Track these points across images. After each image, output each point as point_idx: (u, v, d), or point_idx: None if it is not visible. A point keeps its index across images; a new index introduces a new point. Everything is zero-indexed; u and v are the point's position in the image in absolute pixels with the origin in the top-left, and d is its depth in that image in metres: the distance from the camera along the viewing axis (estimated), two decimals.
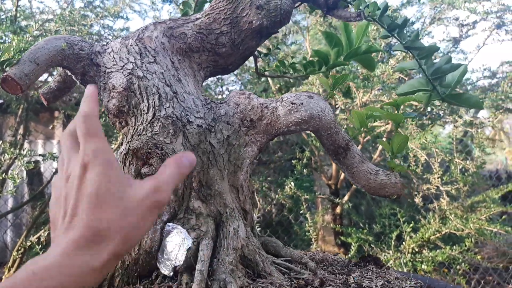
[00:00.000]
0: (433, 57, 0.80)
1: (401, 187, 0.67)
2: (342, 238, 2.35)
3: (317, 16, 2.05)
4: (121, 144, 0.65)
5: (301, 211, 2.23)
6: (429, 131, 2.16)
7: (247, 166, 0.63)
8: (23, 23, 2.11)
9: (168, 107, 0.57)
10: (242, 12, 0.67)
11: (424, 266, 2.05)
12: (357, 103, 2.11)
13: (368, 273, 0.62)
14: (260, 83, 2.80)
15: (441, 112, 2.40)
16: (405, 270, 2.01)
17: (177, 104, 0.59)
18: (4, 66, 0.59)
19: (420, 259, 2.10)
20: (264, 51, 1.04)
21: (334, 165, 2.47)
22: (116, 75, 0.60)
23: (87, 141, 0.39)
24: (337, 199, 2.35)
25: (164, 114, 0.57)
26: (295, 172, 2.39)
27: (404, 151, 0.72)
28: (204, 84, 1.08)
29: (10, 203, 2.64)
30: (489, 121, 1.95)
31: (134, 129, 0.58)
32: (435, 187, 2.21)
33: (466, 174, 1.94)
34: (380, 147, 2.19)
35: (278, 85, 2.57)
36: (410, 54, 0.78)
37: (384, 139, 2.26)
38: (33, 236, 1.90)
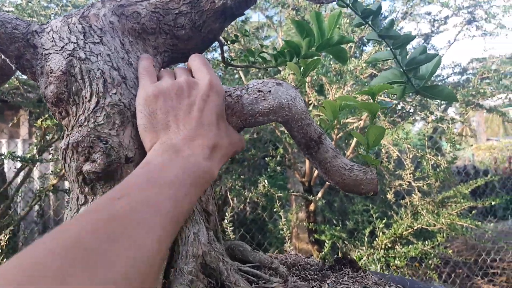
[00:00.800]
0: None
1: (377, 183, 0.62)
2: (315, 235, 2.31)
3: (289, 9, 2.00)
4: (62, 137, 0.56)
5: (275, 209, 2.17)
6: (401, 127, 2.16)
7: None
8: None
9: (115, 93, 0.49)
10: None
11: (397, 262, 2.05)
12: (330, 99, 2.08)
13: (343, 278, 0.56)
14: (233, 80, 2.72)
15: (411, 110, 2.41)
16: (378, 266, 2.00)
17: (126, 91, 0.51)
18: None
19: (393, 255, 2.10)
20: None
21: (307, 163, 2.43)
22: (54, 57, 0.51)
23: (210, 69, 0.52)
24: (311, 196, 2.31)
25: (109, 102, 0.48)
26: (268, 169, 2.33)
27: (376, 148, 0.67)
28: None
29: None
30: (460, 116, 1.96)
31: (74, 120, 0.49)
32: (407, 183, 2.21)
33: (438, 169, 1.94)
34: (353, 143, 2.17)
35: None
36: (384, 44, 0.74)
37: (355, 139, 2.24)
38: None
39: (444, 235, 2.00)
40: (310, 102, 2.19)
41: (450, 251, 2.15)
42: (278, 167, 2.24)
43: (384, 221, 2.15)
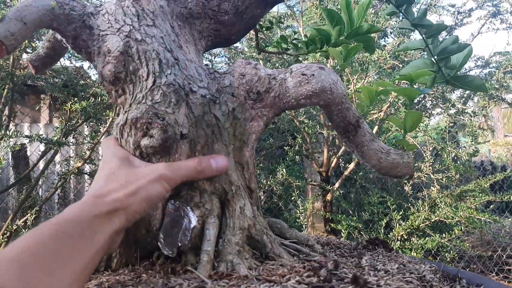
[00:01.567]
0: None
1: (413, 167, 0.64)
2: (332, 225, 2.34)
3: None
4: (117, 115, 0.59)
5: (293, 197, 2.20)
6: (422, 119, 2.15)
7: (252, 142, 0.59)
8: None
9: (170, 74, 0.52)
10: None
11: (413, 253, 2.07)
12: (351, 90, 2.08)
13: (379, 257, 0.59)
14: None
15: (429, 104, 2.40)
16: None
17: (179, 72, 0.53)
18: None
19: (409, 246, 2.11)
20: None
21: (325, 153, 2.45)
22: (111, 38, 0.54)
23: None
24: (328, 186, 2.33)
25: (165, 82, 0.51)
26: (286, 158, 2.36)
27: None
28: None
29: None
30: (482, 109, 1.94)
31: (132, 98, 0.52)
32: (426, 175, 2.21)
33: (458, 162, 1.94)
34: (374, 131, 2.17)
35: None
36: (408, 35, 0.75)
37: (376, 127, 2.25)
38: (19, 220, 1.84)
39: (462, 228, 2.01)
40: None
41: (466, 244, 2.15)
42: (296, 156, 2.27)
43: (400, 213, 2.16)
